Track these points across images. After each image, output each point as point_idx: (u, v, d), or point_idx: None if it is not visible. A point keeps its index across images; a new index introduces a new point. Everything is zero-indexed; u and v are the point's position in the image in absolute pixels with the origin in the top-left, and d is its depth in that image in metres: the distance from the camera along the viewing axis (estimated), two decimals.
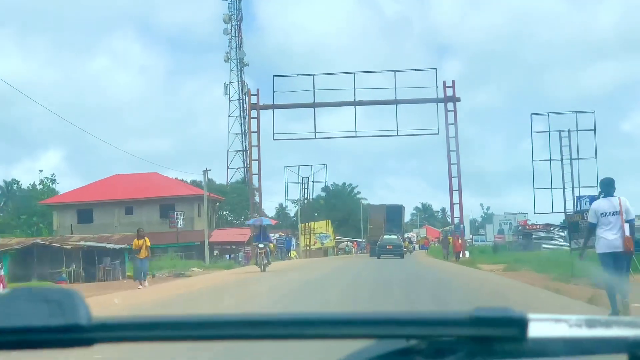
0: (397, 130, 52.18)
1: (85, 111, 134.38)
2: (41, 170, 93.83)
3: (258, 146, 53.08)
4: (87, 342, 1.37)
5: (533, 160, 53.06)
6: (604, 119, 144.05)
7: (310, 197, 77.25)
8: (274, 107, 52.31)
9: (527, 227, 56.56)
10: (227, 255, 58.96)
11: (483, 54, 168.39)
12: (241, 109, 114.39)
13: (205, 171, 50.34)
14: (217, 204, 75.87)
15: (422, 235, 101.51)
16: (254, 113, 53.34)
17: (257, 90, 54.42)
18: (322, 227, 78.80)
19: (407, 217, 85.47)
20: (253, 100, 53.76)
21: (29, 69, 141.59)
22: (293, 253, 64.11)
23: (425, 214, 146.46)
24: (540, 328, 1.47)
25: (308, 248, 76.56)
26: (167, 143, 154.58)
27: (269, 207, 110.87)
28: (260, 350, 5.92)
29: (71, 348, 1.36)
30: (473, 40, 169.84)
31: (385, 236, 54.07)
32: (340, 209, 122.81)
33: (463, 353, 1.47)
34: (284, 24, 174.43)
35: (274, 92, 51.95)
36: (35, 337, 1.33)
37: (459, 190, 52.07)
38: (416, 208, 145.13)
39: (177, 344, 1.51)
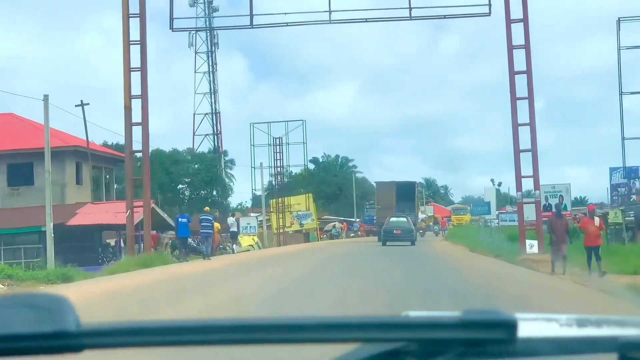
0: (411, 10, 30.77)
1: None
2: None
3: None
4: (76, 348, 1.37)
5: (621, 93, 33.40)
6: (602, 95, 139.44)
7: (285, 163, 56.88)
8: None
9: None
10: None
11: None
12: (210, 63, 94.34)
13: (47, 98, 27.65)
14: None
15: (429, 214, 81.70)
16: None
17: None
18: (300, 203, 58.85)
19: None
20: None
21: None
22: (247, 239, 43.82)
23: (430, 190, 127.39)
24: (530, 329, 1.50)
25: (281, 231, 56.74)
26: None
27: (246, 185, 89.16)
28: (252, 354, 3.47)
29: (60, 355, 1.37)
30: None
31: (393, 219, 44.61)
32: (330, 184, 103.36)
33: (453, 355, 1.48)
34: None
35: None
36: (24, 345, 1.34)
37: (532, 126, 31.69)
38: (419, 184, 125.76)
39: (167, 349, 1.50)
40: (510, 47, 27.01)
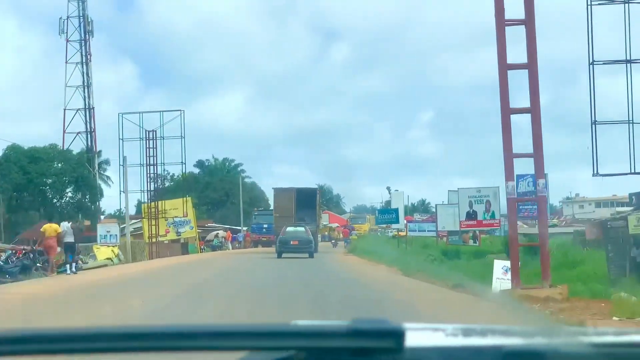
0: None
1: None
2: None
3: None
4: None
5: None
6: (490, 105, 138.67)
7: (160, 160, 47.98)
8: None
9: None
10: None
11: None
12: (83, 53, 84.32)
13: None
14: None
15: (324, 224, 74.54)
16: None
17: None
18: (177, 207, 50.18)
19: None
20: None
21: None
22: (104, 251, 34.85)
23: (324, 198, 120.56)
24: (417, 338, 1.51)
25: (154, 241, 47.98)
26: None
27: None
28: None
29: None
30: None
31: (289, 228, 41.34)
32: (216, 189, 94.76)
33: None
34: None
35: None
36: None
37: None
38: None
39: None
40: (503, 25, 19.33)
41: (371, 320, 1.48)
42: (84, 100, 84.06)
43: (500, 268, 14.59)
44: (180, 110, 48.04)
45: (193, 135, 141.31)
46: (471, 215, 35.94)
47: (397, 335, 1.45)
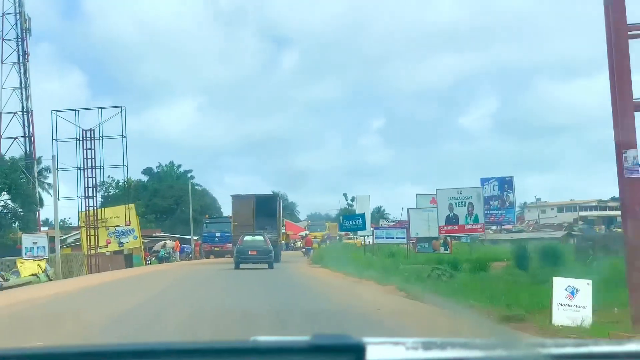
0: None
1: None
2: None
3: None
4: None
5: None
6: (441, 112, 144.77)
7: (98, 163, 42.86)
8: None
9: None
10: None
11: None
12: (20, 53, 78.66)
13: None
14: None
15: (282, 231, 69.85)
16: None
17: None
18: (119, 215, 45.15)
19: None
20: None
21: None
22: (29, 266, 29.75)
23: None
24: (377, 352, 1.50)
25: (93, 252, 42.94)
26: None
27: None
28: None
29: None
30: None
31: (247, 237, 38.84)
32: (166, 196, 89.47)
33: None
34: None
35: None
36: None
37: None
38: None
39: None
40: None
41: (332, 336, 1.44)
42: (22, 103, 78.74)
43: (563, 290, 10.17)
44: (121, 106, 42.89)
45: (141, 145, 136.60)
46: (452, 220, 31.76)
47: (358, 350, 1.43)
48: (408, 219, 37.15)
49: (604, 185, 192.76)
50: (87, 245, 43.32)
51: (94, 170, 42.64)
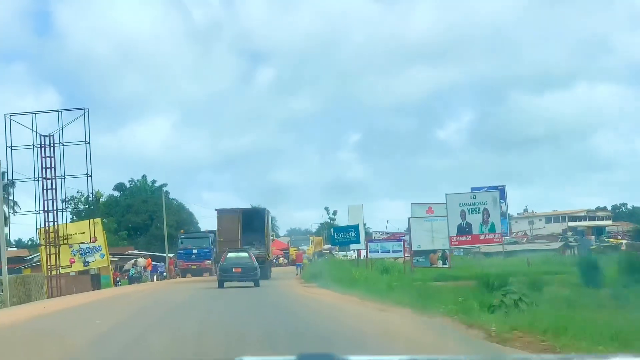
0: None
1: None
2: None
3: None
4: None
5: None
6: (419, 125, 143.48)
7: (59, 173, 38.28)
8: None
9: None
10: None
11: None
12: None
13: None
14: None
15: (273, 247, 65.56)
16: None
17: None
18: (83, 231, 40.54)
19: None
20: None
21: None
22: None
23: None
24: None
25: (54, 273, 38.30)
26: None
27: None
28: None
29: None
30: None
31: (231, 254, 36.75)
32: (139, 212, 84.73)
33: None
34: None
35: None
36: None
37: None
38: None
39: None
40: None
41: (316, 355, 1.45)
42: None
43: None
44: (84, 108, 38.25)
45: (115, 161, 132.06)
46: (464, 229, 27.51)
47: None
48: (409, 230, 32.91)
49: (587, 195, 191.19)
50: (48, 265, 38.70)
51: (54, 180, 38.04)
